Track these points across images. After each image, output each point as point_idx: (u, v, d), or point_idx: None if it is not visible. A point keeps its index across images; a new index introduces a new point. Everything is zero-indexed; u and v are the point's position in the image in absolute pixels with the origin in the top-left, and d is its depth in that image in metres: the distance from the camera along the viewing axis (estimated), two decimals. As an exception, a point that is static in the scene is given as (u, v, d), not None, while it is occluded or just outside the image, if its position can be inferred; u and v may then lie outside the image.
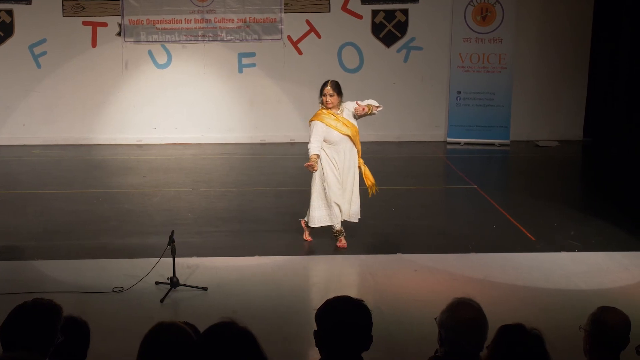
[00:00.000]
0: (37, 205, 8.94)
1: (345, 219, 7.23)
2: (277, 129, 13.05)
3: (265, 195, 9.44)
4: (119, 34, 12.77)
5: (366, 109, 6.98)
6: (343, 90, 7.09)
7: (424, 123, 13.19)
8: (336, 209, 7.10)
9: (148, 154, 12.28)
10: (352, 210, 7.21)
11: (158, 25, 12.78)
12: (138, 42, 12.80)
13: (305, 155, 7.03)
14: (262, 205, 8.93)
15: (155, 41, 12.82)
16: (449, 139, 13.09)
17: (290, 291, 6.26)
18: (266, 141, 13.06)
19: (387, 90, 12.72)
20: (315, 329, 2.96)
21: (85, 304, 5.74)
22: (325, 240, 7.40)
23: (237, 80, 13.05)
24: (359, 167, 7.22)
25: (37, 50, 12.76)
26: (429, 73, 13.08)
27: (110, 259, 6.95)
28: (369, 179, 7.27)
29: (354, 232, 7.45)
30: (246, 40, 12.92)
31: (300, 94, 12.66)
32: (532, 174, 11.15)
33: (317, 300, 5.11)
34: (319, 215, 7.15)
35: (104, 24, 12.75)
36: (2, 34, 12.74)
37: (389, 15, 12.95)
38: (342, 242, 7.26)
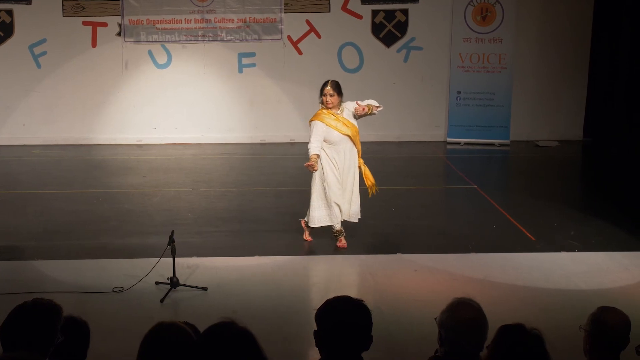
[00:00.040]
0: (37, 205, 8.94)
1: (345, 219, 7.23)
2: (277, 129, 13.05)
3: (265, 195, 9.44)
4: (119, 34, 12.78)
5: (366, 109, 6.98)
6: (343, 90, 7.09)
7: (424, 123, 13.19)
8: (336, 209, 7.10)
9: (148, 154, 12.28)
10: (352, 210, 7.21)
11: (158, 25, 12.79)
12: (138, 42, 12.80)
13: (305, 155, 7.03)
14: (262, 205, 8.93)
15: (155, 41, 12.83)
16: (449, 139, 13.09)
17: (290, 291, 6.26)
18: (266, 141, 13.06)
19: (387, 90, 12.72)
20: (315, 329, 2.96)
21: (85, 304, 5.74)
22: (325, 240, 7.40)
23: (237, 80, 13.05)
24: (359, 167, 7.22)
25: (37, 50, 12.76)
26: (429, 73, 13.08)
27: (110, 259, 6.95)
28: (369, 179, 7.27)
29: (354, 232, 7.45)
30: (246, 40, 12.92)
31: (300, 94, 12.66)
32: (532, 174, 11.14)
33: (317, 300, 5.11)
34: (319, 215, 7.15)
35: (104, 24, 12.75)
36: (2, 34, 12.74)
37: (389, 15, 12.95)
38: (342, 242, 7.26)
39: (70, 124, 12.90)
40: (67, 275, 6.46)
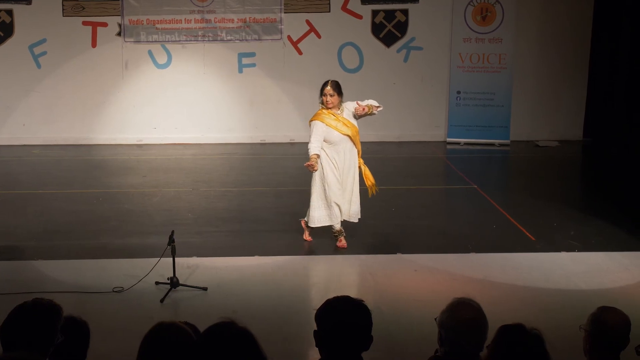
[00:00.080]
0: (37, 205, 8.94)
1: (345, 219, 7.23)
2: (277, 129, 13.06)
3: (265, 195, 9.44)
4: (119, 34, 12.78)
5: (366, 109, 6.98)
6: (343, 90, 7.09)
7: (424, 123, 13.19)
8: (336, 209, 7.10)
9: (148, 154, 12.28)
10: (352, 210, 7.21)
11: (158, 25, 12.79)
12: (138, 42, 12.81)
13: (305, 155, 7.03)
14: (262, 205, 8.93)
15: (155, 41, 12.83)
16: (449, 139, 13.09)
17: (290, 291, 6.25)
18: (266, 141, 13.06)
19: (387, 90, 12.72)
20: (315, 329, 2.96)
21: (85, 304, 5.74)
22: (325, 240, 7.40)
23: (237, 80, 13.05)
24: (359, 167, 7.22)
25: (37, 50, 12.76)
26: (429, 73, 13.08)
27: (110, 259, 6.95)
28: (369, 179, 7.27)
29: (354, 232, 7.45)
30: (246, 40, 12.92)
31: (300, 94, 12.66)
32: (532, 174, 11.15)
33: (317, 300, 5.11)
34: (318, 215, 7.15)
35: (104, 24, 12.75)
36: (2, 34, 12.74)
37: (389, 15, 12.95)
38: (342, 242, 7.26)
39: (70, 124, 12.90)
40: (67, 275, 6.46)
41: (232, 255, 7.12)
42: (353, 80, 12.17)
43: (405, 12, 12.96)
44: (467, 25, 12.79)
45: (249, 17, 12.83)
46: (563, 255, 7.08)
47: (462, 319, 3.06)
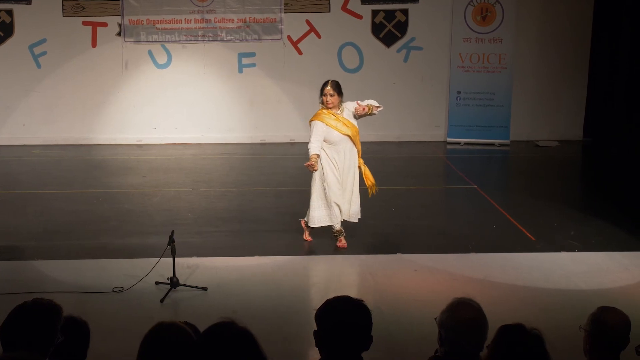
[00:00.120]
0: (37, 205, 8.94)
1: (345, 219, 7.23)
2: (277, 129, 13.06)
3: (265, 195, 9.44)
4: (119, 34, 12.78)
5: (366, 109, 6.98)
6: (343, 90, 7.09)
7: (424, 123, 13.19)
8: (336, 209, 7.10)
9: (148, 154, 12.28)
10: (352, 210, 7.21)
11: (158, 25, 12.79)
12: (138, 42, 12.81)
13: (305, 155, 7.03)
14: (262, 205, 8.93)
15: (155, 41, 12.83)
16: (449, 139, 13.09)
17: (290, 291, 6.25)
18: (266, 141, 13.06)
19: (387, 90, 12.72)
20: (315, 329, 2.96)
21: (85, 304, 5.74)
22: (325, 240, 7.40)
23: (237, 80, 13.05)
24: (359, 167, 7.22)
25: (37, 50, 12.76)
26: (429, 73, 13.08)
27: (110, 259, 6.95)
28: (369, 179, 7.27)
29: (354, 232, 7.45)
30: (246, 40, 12.92)
31: (300, 94, 12.66)
32: (532, 174, 11.14)
33: (317, 300, 5.11)
34: (318, 215, 7.15)
35: (104, 24, 12.75)
36: (2, 34, 12.74)
37: (389, 15, 12.95)
38: (342, 242, 7.26)
39: (70, 124, 12.90)
40: (67, 275, 6.46)
41: (232, 255, 7.12)
42: (353, 80, 12.17)
43: (405, 12, 12.96)
44: (467, 25, 12.79)
45: (249, 17, 12.83)
46: (563, 255, 7.08)
47: (462, 319, 3.06)
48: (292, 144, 12.79)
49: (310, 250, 7.31)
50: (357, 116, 7.07)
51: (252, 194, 9.56)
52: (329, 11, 12.89)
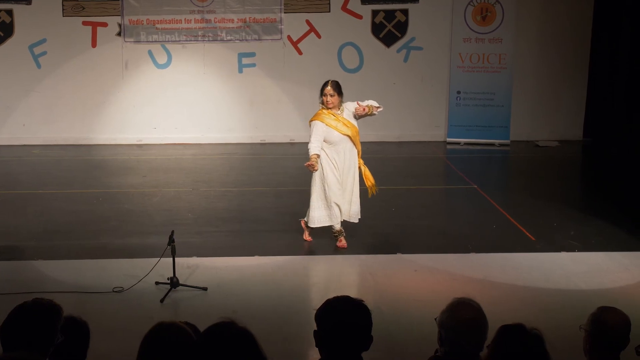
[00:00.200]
0: (37, 205, 8.94)
1: (345, 219, 7.23)
2: (277, 129, 13.06)
3: (265, 195, 9.44)
4: (119, 34, 12.78)
5: (366, 110, 6.98)
6: (343, 90, 7.09)
7: (424, 123, 13.19)
8: (336, 209, 7.10)
9: (148, 154, 12.28)
10: (352, 210, 7.21)
11: (158, 25, 12.79)
12: (138, 42, 12.81)
13: (305, 155, 7.03)
14: (262, 205, 8.93)
15: (155, 41, 12.83)
16: (449, 139, 13.09)
17: (290, 291, 6.25)
18: (266, 141, 13.06)
19: (387, 90, 12.72)
20: (315, 329, 2.96)
21: (85, 304, 5.74)
22: (325, 240, 7.40)
23: (237, 80, 13.05)
24: (359, 168, 7.22)
25: (37, 50, 12.76)
26: (429, 73, 13.08)
27: (110, 259, 6.95)
28: (369, 180, 7.27)
29: (354, 232, 7.45)
30: (246, 40, 12.92)
31: (300, 94, 12.66)
32: (532, 174, 11.15)
33: (317, 300, 5.11)
34: (318, 216, 7.15)
35: (104, 24, 12.75)
36: (2, 34, 12.74)
37: (389, 15, 12.95)
38: (342, 242, 7.26)
39: (70, 124, 12.90)
40: (67, 275, 6.46)
41: (232, 255, 7.12)
42: (353, 80, 12.17)
43: (405, 12, 12.96)
44: (467, 25, 12.79)
45: (249, 17, 12.83)
46: (563, 255, 7.08)
47: (462, 319, 3.06)
48: (292, 144, 12.79)
49: (310, 250, 7.31)
50: (357, 116, 7.07)
51: (252, 194, 9.56)
52: (329, 11, 12.89)
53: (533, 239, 7.58)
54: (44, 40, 12.74)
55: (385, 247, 7.37)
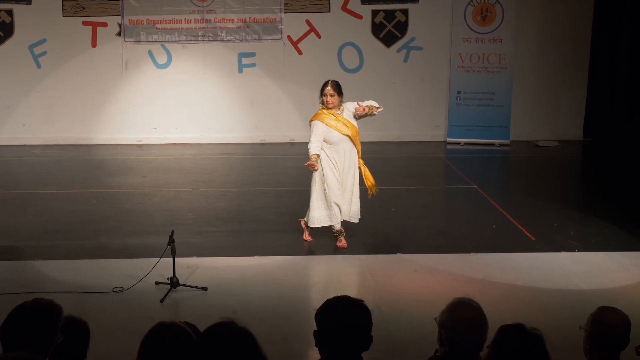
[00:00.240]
0: (37, 205, 8.94)
1: (346, 219, 7.23)
2: (277, 129, 13.06)
3: (265, 195, 9.44)
4: (119, 34, 12.78)
5: (366, 110, 6.98)
6: (343, 91, 7.09)
7: (424, 123, 13.19)
8: (336, 209, 7.10)
9: (148, 154, 12.28)
10: (352, 210, 7.21)
11: (158, 25, 12.79)
12: (138, 42, 12.81)
13: (305, 155, 7.03)
14: (262, 205, 8.93)
15: (155, 41, 12.83)
16: (449, 139, 13.09)
17: (290, 291, 6.25)
18: (266, 141, 13.06)
19: (387, 90, 12.72)
20: (315, 329, 2.96)
21: (85, 304, 5.74)
22: (325, 240, 7.40)
23: (237, 80, 13.05)
24: (359, 168, 7.22)
25: (37, 50, 12.76)
26: (429, 73, 13.08)
27: (110, 259, 6.95)
28: (369, 180, 7.27)
29: (354, 232, 7.45)
30: (246, 40, 12.92)
31: (300, 94, 12.66)
32: (532, 174, 11.15)
33: (317, 300, 5.11)
34: (318, 216, 7.15)
35: (104, 24, 12.75)
36: (2, 34, 12.74)
37: (389, 15, 12.95)
38: (342, 242, 7.26)
39: (70, 124, 12.90)
40: (67, 275, 6.46)
41: (232, 255, 7.12)
42: (353, 80, 12.17)
43: (405, 12, 12.96)
44: (467, 25, 12.79)
45: (249, 17, 12.84)
46: (563, 255, 7.08)
47: (462, 319, 3.06)
48: (292, 144, 12.79)
49: (310, 250, 7.31)
50: (357, 117, 7.07)
51: (252, 194, 9.56)
52: (329, 11, 12.89)
53: (533, 239, 7.58)
54: (44, 40, 12.74)
55: (385, 247, 7.37)
